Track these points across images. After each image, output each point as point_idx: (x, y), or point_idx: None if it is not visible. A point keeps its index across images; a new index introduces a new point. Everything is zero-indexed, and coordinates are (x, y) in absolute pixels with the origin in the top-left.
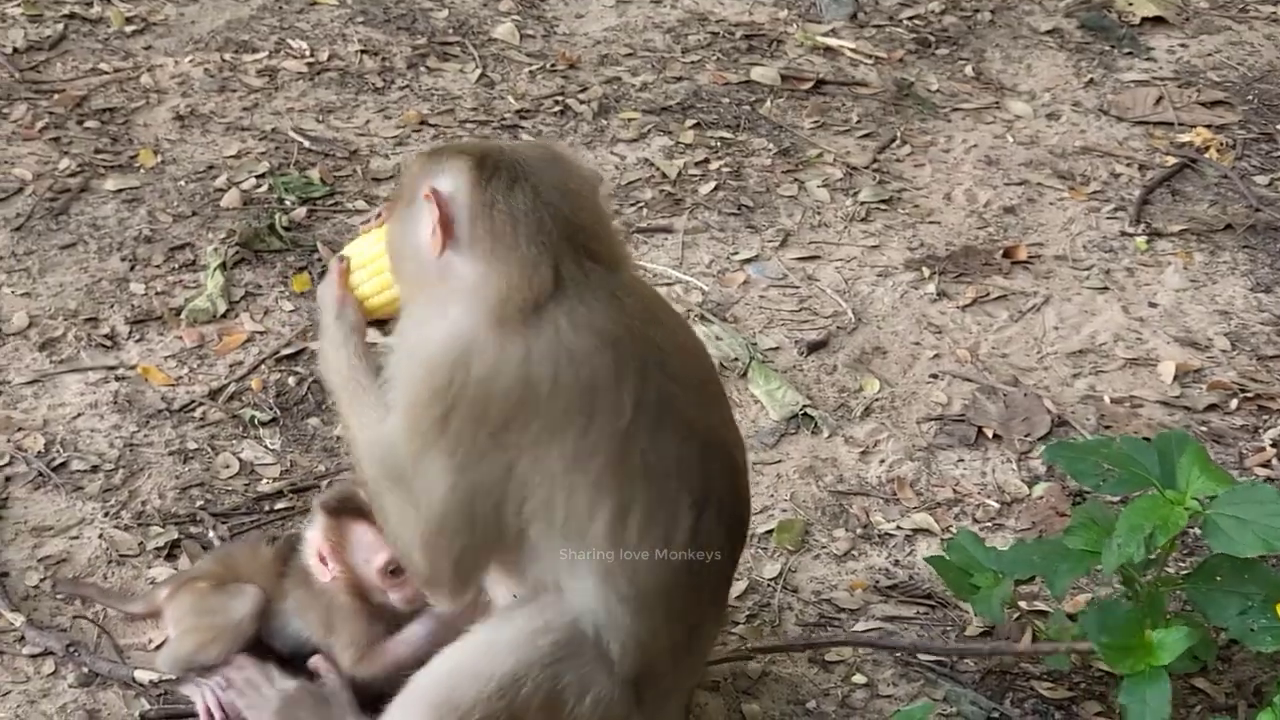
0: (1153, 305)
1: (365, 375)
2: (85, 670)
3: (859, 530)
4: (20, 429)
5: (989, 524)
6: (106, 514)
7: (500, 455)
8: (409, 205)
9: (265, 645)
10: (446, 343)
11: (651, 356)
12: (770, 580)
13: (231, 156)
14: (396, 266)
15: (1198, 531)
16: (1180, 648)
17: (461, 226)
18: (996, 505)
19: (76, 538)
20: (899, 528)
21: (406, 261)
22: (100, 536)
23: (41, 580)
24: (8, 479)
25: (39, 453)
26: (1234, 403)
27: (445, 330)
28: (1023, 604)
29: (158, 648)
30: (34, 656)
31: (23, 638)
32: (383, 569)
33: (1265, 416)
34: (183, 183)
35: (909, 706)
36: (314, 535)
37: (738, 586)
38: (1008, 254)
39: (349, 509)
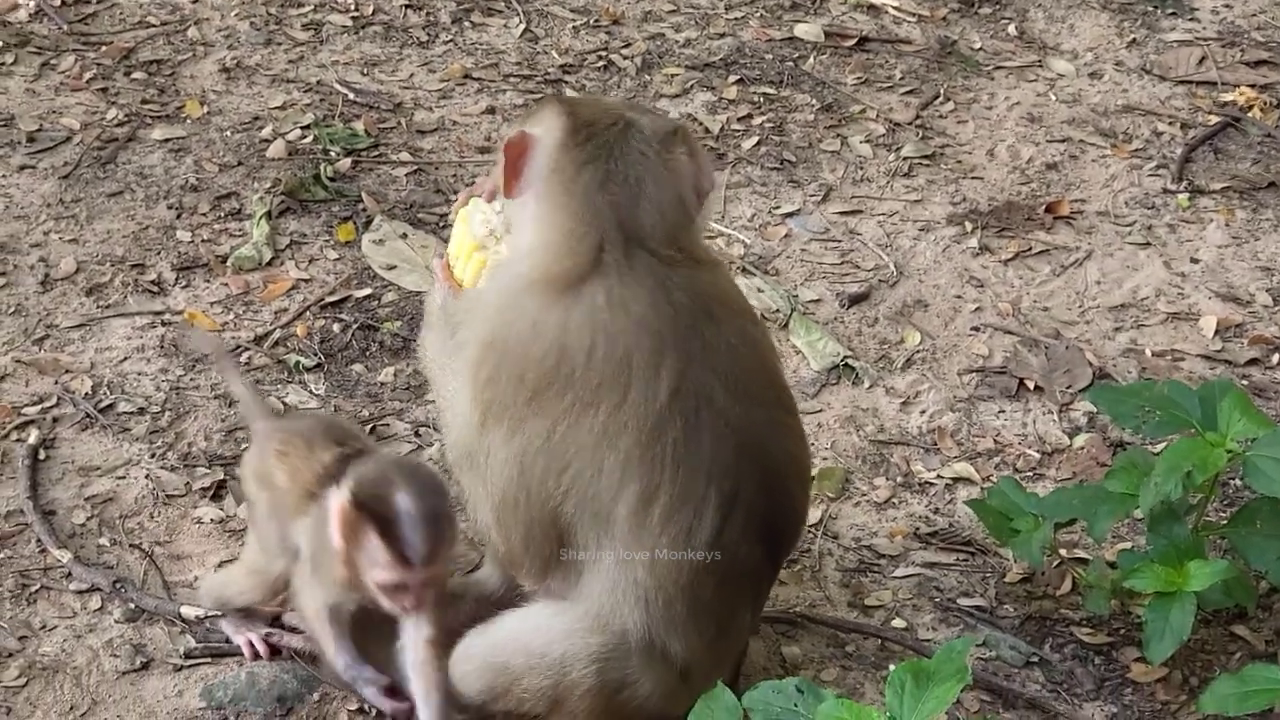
0: (1194, 261)
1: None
2: (132, 606)
3: (899, 479)
4: (68, 371)
5: (1029, 474)
6: (153, 455)
7: (540, 421)
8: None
9: None
10: (496, 297)
11: (695, 350)
12: (811, 527)
13: (277, 108)
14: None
15: (1239, 483)
16: (1212, 578)
17: (533, 178)
18: (1037, 455)
19: (123, 478)
20: (939, 476)
21: (509, 208)
22: (147, 477)
23: (88, 519)
24: (55, 420)
25: (86, 395)
26: (1275, 357)
27: (499, 284)
28: (1063, 552)
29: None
30: (81, 592)
31: (70, 574)
32: (380, 584)
33: None
34: (228, 133)
35: (952, 641)
36: (337, 506)
37: None
38: (1050, 209)
39: (375, 510)
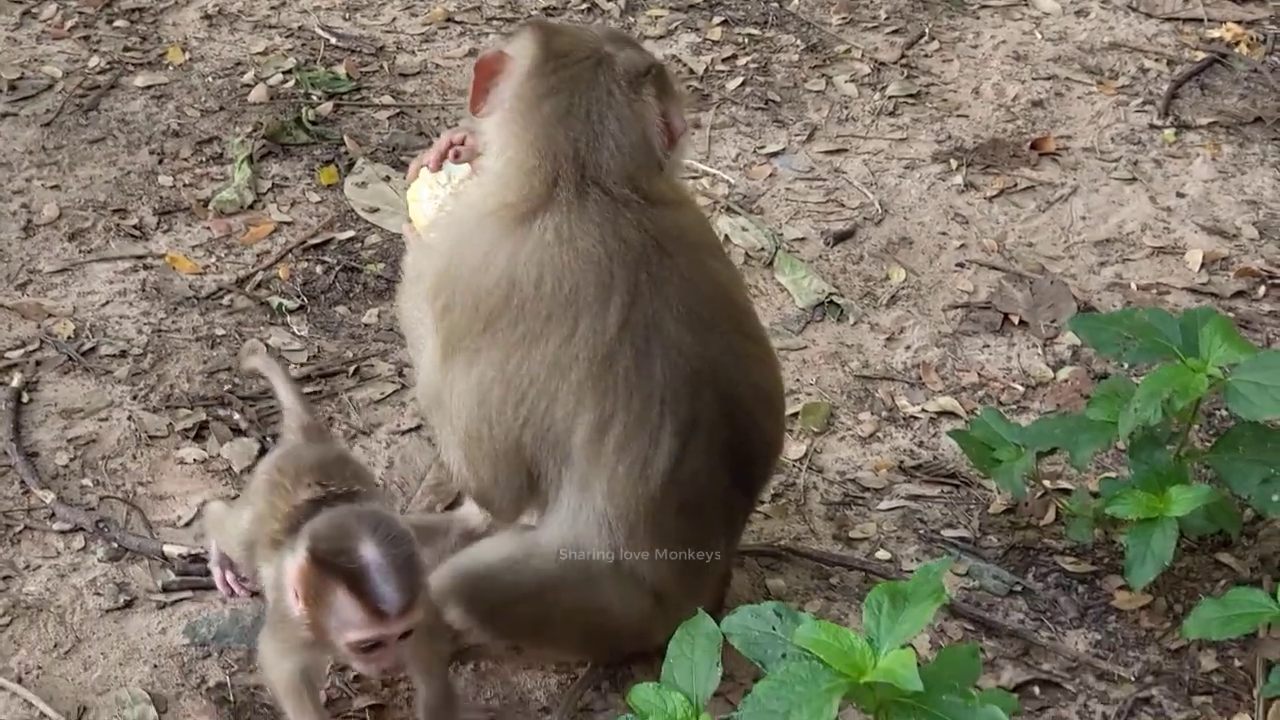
0: (1180, 195)
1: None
2: (114, 545)
3: (884, 413)
4: (50, 315)
5: (1014, 407)
6: (135, 397)
7: (495, 351)
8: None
9: None
10: (452, 228)
11: (645, 284)
12: (796, 461)
13: (259, 53)
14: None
15: (1224, 413)
16: (1194, 503)
17: (498, 103)
18: (1021, 389)
19: (105, 419)
20: (924, 410)
21: (475, 139)
22: (129, 418)
23: (71, 460)
24: (38, 364)
25: (69, 338)
26: (1262, 289)
27: (460, 214)
28: (1047, 483)
29: (186, 525)
30: (64, 533)
31: (53, 514)
32: (353, 644)
33: None
34: (210, 79)
35: (929, 563)
36: (294, 568)
37: None
38: (1035, 146)
39: (338, 566)
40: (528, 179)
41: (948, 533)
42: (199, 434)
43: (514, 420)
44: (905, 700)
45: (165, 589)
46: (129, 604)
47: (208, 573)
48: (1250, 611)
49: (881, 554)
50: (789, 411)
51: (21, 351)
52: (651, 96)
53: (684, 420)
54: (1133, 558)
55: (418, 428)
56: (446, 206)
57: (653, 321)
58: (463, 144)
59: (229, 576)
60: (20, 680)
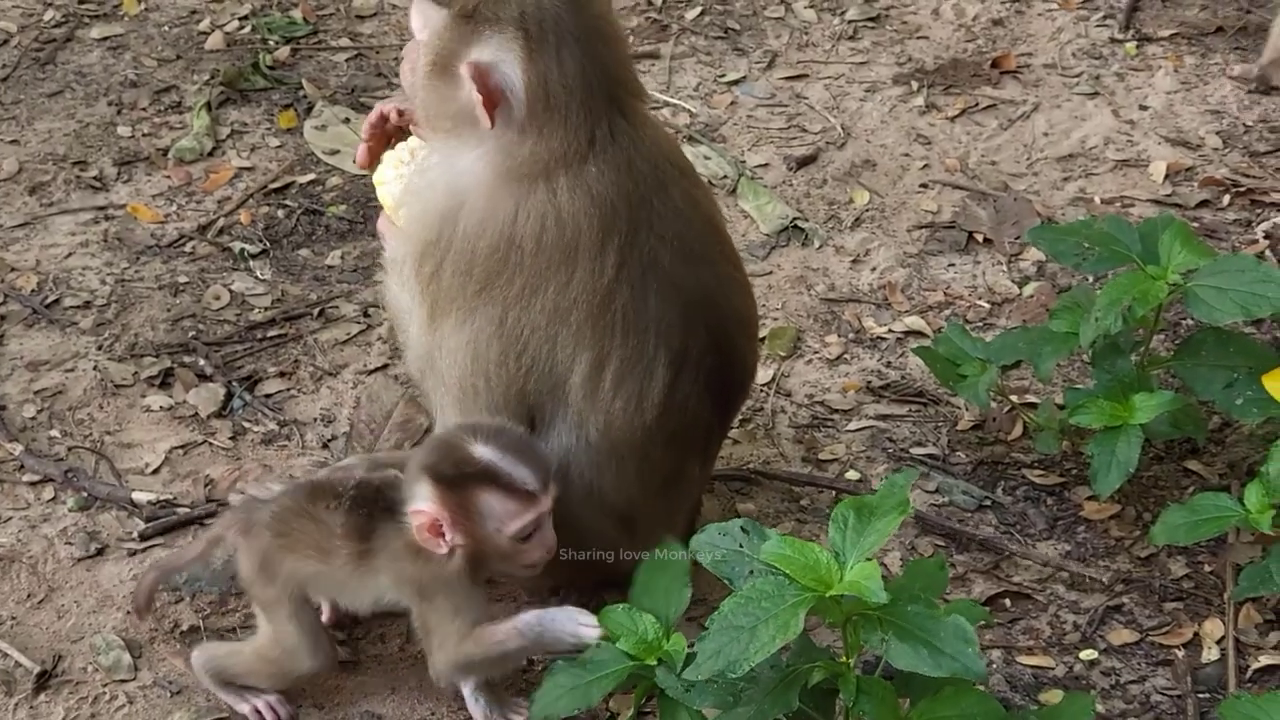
0: (1143, 108)
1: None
2: (84, 495)
3: (851, 335)
4: (13, 269)
5: (980, 324)
6: (100, 347)
7: (490, 309)
8: (444, 69)
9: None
10: (443, 195)
11: (645, 220)
12: (764, 386)
13: (214, 1)
14: (424, 121)
15: (1190, 322)
16: (1158, 409)
17: (514, 99)
18: (987, 306)
19: (71, 370)
20: (890, 331)
21: (442, 120)
22: (95, 368)
23: (38, 412)
24: (2, 318)
25: (32, 291)
26: (1226, 198)
27: (446, 181)
28: (1014, 397)
29: (154, 471)
30: (33, 484)
31: (22, 466)
32: (516, 534)
33: (1258, 210)
34: (166, 28)
35: (893, 475)
36: (428, 508)
37: None
38: (996, 64)
39: (469, 474)
40: (573, 137)
41: (916, 450)
42: (164, 381)
43: (516, 371)
44: (871, 612)
45: (142, 538)
46: (100, 552)
47: (177, 518)
48: (1217, 516)
49: (851, 474)
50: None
51: None
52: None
53: (676, 351)
54: (1098, 466)
55: (384, 367)
56: (413, 184)
57: (649, 258)
58: (399, 115)
59: (259, 704)
60: None
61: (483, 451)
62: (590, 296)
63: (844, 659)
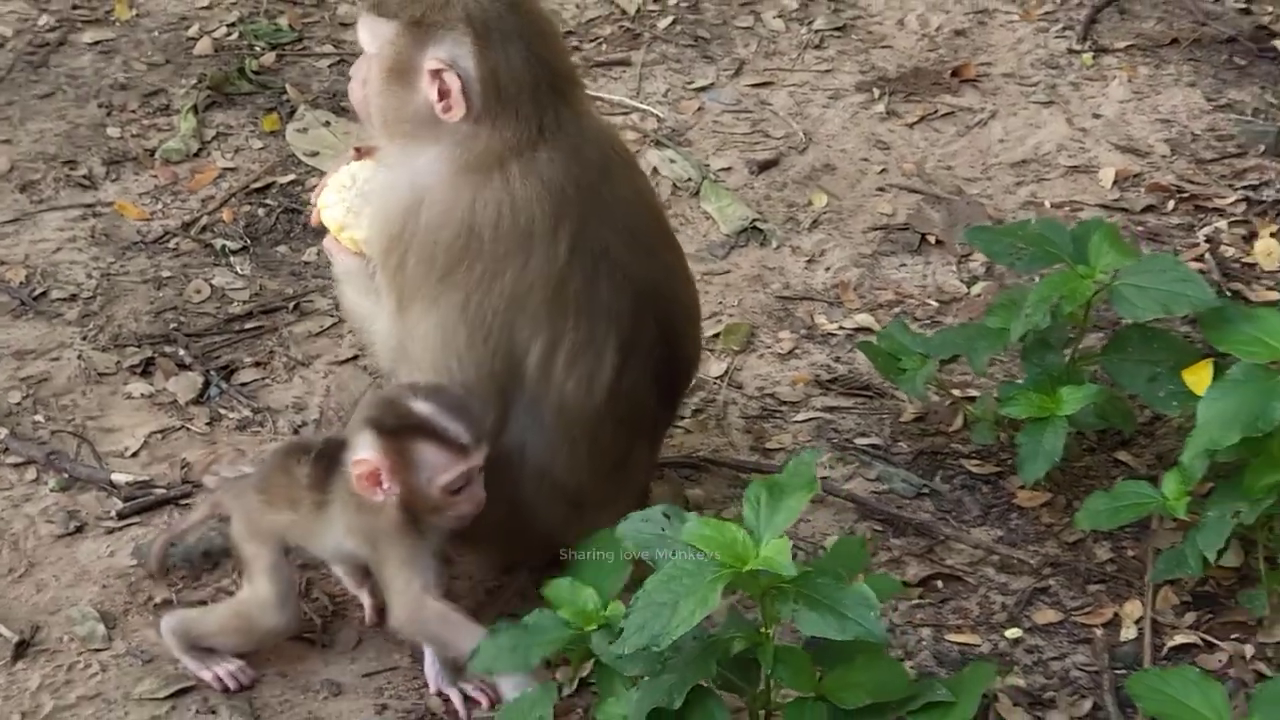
0: (1096, 116)
1: (371, 293)
2: (65, 476)
3: (803, 331)
4: (2, 263)
5: (928, 321)
6: (84, 337)
7: (454, 295)
8: (400, 75)
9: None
10: (405, 191)
11: (593, 208)
12: (716, 378)
13: (203, 8)
14: (382, 128)
15: (1128, 323)
16: (1083, 400)
17: (473, 95)
18: (936, 304)
19: (56, 359)
20: (841, 328)
21: (400, 125)
22: (79, 357)
23: (23, 398)
24: None
25: (20, 284)
26: (1171, 204)
27: (407, 178)
28: (956, 391)
29: (133, 455)
30: (17, 465)
31: (6, 449)
32: (447, 486)
33: (1201, 215)
34: (156, 33)
35: (806, 452)
36: (368, 456)
37: None
38: (956, 73)
39: (406, 426)
40: (523, 127)
41: (860, 441)
42: (145, 370)
43: (484, 352)
44: (785, 585)
45: (120, 516)
46: (79, 530)
47: (154, 498)
48: (1136, 502)
49: None
50: (711, 333)
51: None
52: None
53: (625, 338)
54: (1025, 454)
55: (354, 358)
56: (354, 207)
57: (599, 246)
58: (369, 151)
59: (220, 671)
60: None
61: (421, 406)
62: (545, 281)
63: (763, 630)
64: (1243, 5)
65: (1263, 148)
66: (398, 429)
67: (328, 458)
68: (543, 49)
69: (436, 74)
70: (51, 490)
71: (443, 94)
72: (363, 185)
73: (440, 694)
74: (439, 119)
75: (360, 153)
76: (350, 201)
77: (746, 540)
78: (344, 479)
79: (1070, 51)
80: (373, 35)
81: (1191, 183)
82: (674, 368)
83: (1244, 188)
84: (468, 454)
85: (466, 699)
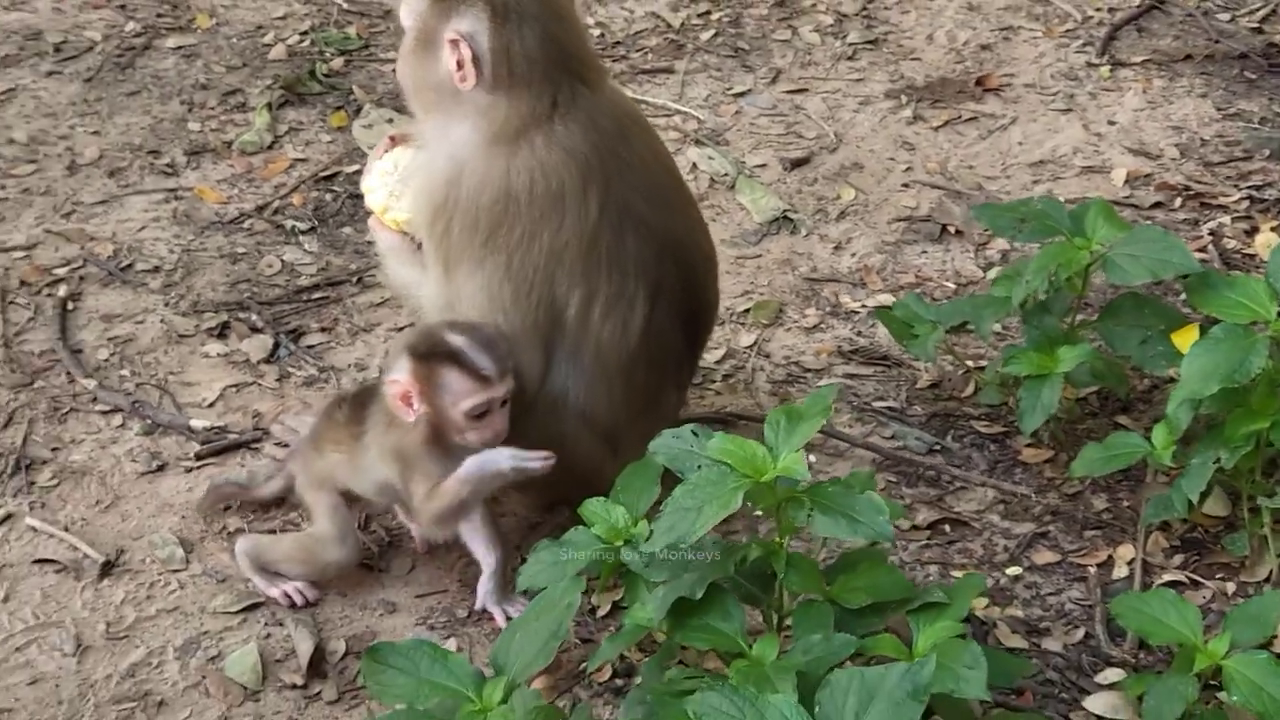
0: (1112, 123)
1: (417, 267)
2: (149, 421)
3: (828, 309)
4: (92, 239)
5: (945, 301)
6: (167, 304)
7: (498, 256)
8: (426, 45)
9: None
10: (445, 164)
11: (615, 170)
12: (746, 348)
13: (278, 18)
14: (413, 97)
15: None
16: (1079, 359)
17: (484, 66)
18: (953, 286)
19: (141, 322)
20: (864, 306)
21: (426, 93)
22: (161, 321)
23: (110, 355)
24: (82, 278)
25: (109, 257)
26: (1178, 201)
27: (445, 152)
28: (970, 362)
29: (210, 405)
30: (104, 413)
31: (95, 399)
32: (469, 411)
33: (1206, 212)
34: (234, 40)
35: (822, 387)
36: (401, 378)
37: (716, 354)
38: (980, 82)
39: (438, 353)
40: (535, 101)
41: (878, 404)
42: (221, 333)
43: (529, 306)
44: (800, 495)
45: (197, 456)
46: (161, 468)
47: (228, 441)
48: (1126, 451)
49: None
50: (742, 309)
51: (67, 269)
52: None
53: (653, 286)
54: (1024, 408)
55: (412, 325)
56: (396, 191)
57: (623, 203)
58: (404, 138)
59: (288, 588)
60: (67, 529)
61: (454, 338)
62: (579, 238)
63: (777, 540)
64: (1255, 25)
65: (1268, 152)
66: (429, 354)
67: (363, 398)
68: (559, 31)
69: (455, 44)
70: (136, 434)
71: (460, 64)
72: (403, 171)
73: (485, 610)
74: (458, 89)
75: (394, 140)
76: (392, 186)
77: (766, 455)
78: (378, 412)
79: (1089, 65)
80: (409, 11)
81: (1199, 183)
82: (697, 311)
83: (1248, 188)
84: (490, 384)
85: (509, 619)
